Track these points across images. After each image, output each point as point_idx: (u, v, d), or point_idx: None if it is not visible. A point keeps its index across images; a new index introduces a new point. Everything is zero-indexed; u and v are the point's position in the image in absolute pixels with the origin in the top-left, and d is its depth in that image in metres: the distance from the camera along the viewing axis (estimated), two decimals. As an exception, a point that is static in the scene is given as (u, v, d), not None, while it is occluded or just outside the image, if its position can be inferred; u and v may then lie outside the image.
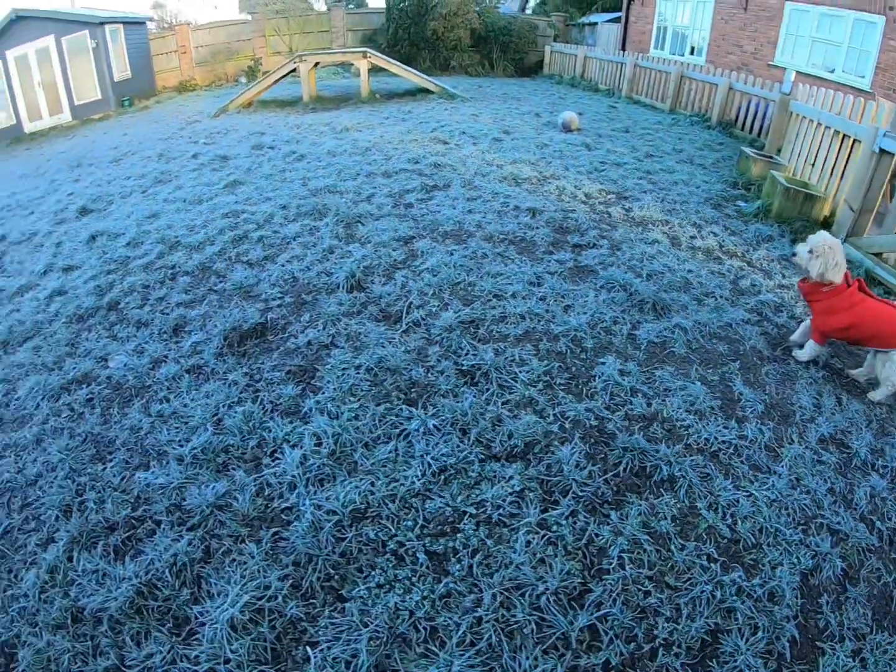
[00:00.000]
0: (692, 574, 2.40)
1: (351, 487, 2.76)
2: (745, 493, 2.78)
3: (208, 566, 2.55)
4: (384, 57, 12.91)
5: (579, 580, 2.36)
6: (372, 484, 2.78)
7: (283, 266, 4.78)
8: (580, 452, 2.91)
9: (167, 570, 2.53)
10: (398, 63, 12.91)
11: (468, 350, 3.62)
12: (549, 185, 6.40)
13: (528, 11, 25.45)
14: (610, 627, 2.20)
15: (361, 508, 2.67)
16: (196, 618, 2.36)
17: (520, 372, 3.44)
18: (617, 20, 18.47)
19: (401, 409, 3.21)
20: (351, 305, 4.14)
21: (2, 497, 3.19)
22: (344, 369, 3.52)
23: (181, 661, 2.22)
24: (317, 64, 13.34)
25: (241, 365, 3.75)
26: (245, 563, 2.52)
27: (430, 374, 3.46)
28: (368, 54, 12.63)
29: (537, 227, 5.26)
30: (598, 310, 4.08)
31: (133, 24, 20.37)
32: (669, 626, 2.22)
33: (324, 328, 3.92)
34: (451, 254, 4.70)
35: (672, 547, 2.49)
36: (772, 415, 3.33)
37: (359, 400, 3.29)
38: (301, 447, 3.00)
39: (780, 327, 4.19)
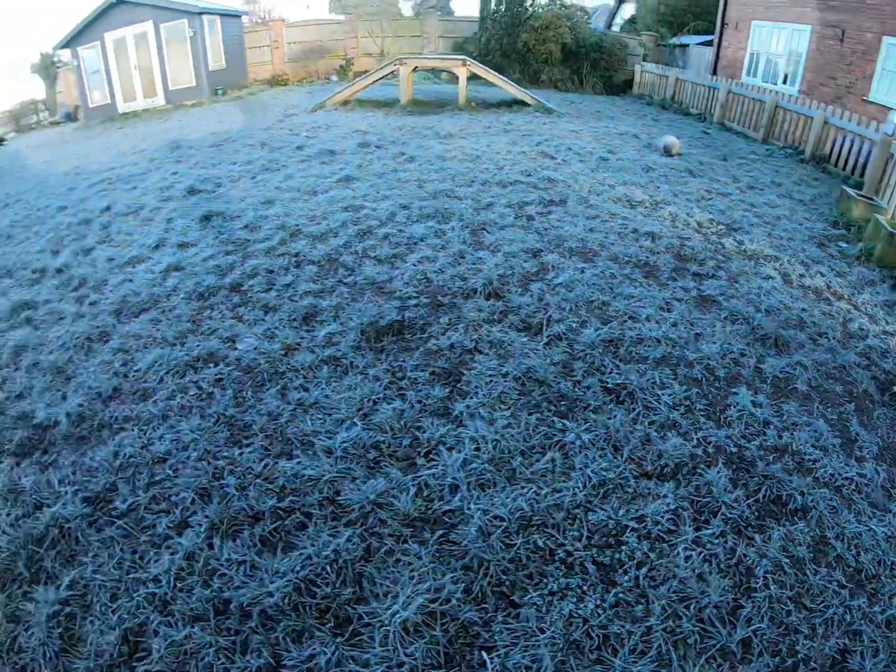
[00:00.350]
0: (825, 597, 2.49)
1: (515, 494, 2.72)
2: (866, 527, 2.83)
3: (369, 565, 2.48)
4: (483, 66, 12.84)
5: (732, 596, 2.42)
6: (536, 493, 2.74)
7: (414, 266, 4.70)
8: (725, 477, 2.93)
9: (328, 567, 2.45)
10: (496, 73, 12.82)
11: (612, 368, 3.55)
12: (661, 211, 6.24)
13: (615, 28, 25.13)
14: (760, 641, 2.27)
15: (528, 516, 2.64)
16: (360, 618, 2.28)
17: (662, 394, 3.38)
18: (709, 43, 18.07)
19: (553, 421, 3.15)
20: (491, 313, 4.02)
21: (124, 472, 3.13)
22: (491, 376, 3.42)
23: (348, 663, 2.14)
24: (415, 68, 13.33)
25: (380, 360, 3.66)
26: (411, 563, 2.47)
27: (577, 389, 3.38)
28: (468, 62, 12.57)
29: (658, 253, 5.12)
30: (725, 340, 4.00)
31: (230, 16, 20.82)
32: (808, 643, 2.30)
33: (465, 332, 3.81)
34: (582, 271, 4.58)
35: (807, 571, 2.58)
36: (885, 457, 3.36)
37: (510, 408, 3.22)
38: (460, 451, 2.93)
39: (888, 373, 4.10)
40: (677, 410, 3.28)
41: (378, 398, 3.34)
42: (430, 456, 2.94)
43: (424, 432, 3.07)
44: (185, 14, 17.93)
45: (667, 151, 9.29)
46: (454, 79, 13.98)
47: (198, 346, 4.09)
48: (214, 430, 3.33)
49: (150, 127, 14.92)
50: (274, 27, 22.32)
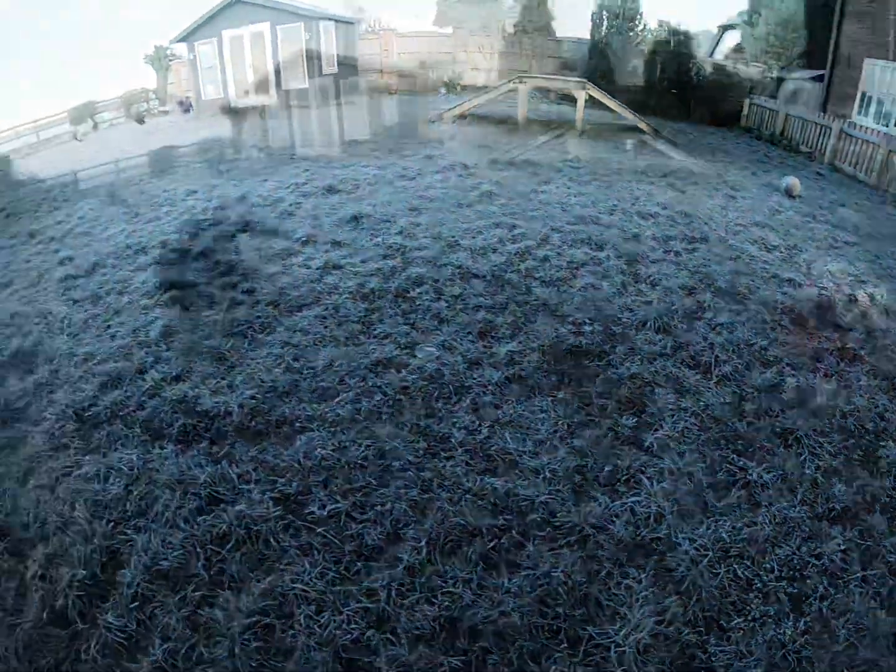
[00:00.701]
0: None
1: (715, 526, 2.83)
2: None
3: (593, 587, 2.58)
4: (601, 91, 12.91)
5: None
6: (732, 526, 2.85)
7: (581, 292, 4.80)
8: (883, 523, 3.00)
9: (559, 588, 2.55)
10: (612, 98, 12.88)
11: (778, 412, 3.63)
12: (797, 257, 6.17)
13: (718, 57, 24.72)
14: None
15: (727, 547, 2.76)
16: (591, 638, 2.38)
17: (823, 442, 3.48)
18: (819, 78, 17.67)
19: (734, 459, 3.26)
20: (662, 347, 4.11)
21: (317, 474, 3.15)
22: (673, 410, 3.51)
23: (587, 682, 2.20)
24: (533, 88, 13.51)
25: (564, 384, 3.78)
26: (632, 587, 2.56)
27: (751, 430, 3.47)
28: (587, 86, 12.67)
29: (801, 300, 5.12)
30: (871, 394, 3.99)
31: (344, 23, 21.32)
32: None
33: (641, 364, 3.91)
34: (738, 314, 4.61)
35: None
36: None
37: (694, 442, 3.30)
38: (661, 481, 3.04)
39: None
40: (837, 458, 3.37)
41: (573, 423, 3.46)
42: (631, 483, 3.05)
43: (623, 460, 3.18)
44: (302, 18, 18.54)
45: (788, 193, 9.22)
46: (562, 98, 14.07)
47: (374, 349, 4.16)
48: (411, 440, 3.37)
49: (265, 123, 15.82)
50: (385, 37, 22.79)
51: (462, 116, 13.69)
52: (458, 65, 21.62)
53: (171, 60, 27.34)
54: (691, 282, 5.07)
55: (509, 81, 13.32)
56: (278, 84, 19.40)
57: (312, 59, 18.83)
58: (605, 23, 18.38)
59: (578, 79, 13.48)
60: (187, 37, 20.01)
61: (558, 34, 30.32)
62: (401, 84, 21.95)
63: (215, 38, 19.37)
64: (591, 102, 14.20)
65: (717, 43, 25.63)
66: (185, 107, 23.05)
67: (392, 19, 30.68)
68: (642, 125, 12.41)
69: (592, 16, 18.54)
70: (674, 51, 18.48)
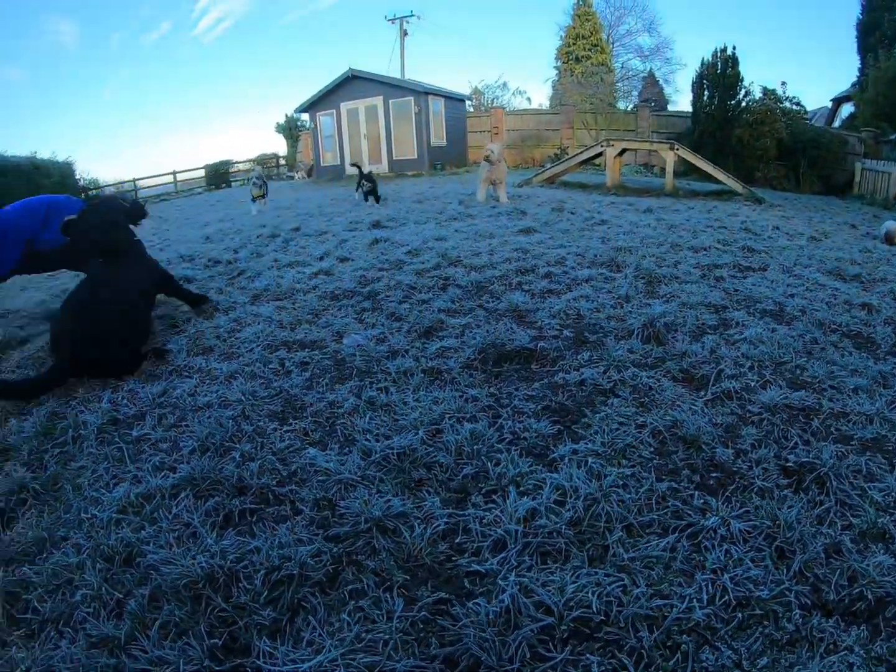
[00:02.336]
0: None
1: (587, 581, 1.69)
2: None
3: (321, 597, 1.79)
4: (691, 151, 11.94)
5: None
6: (623, 588, 1.68)
7: (568, 302, 4.00)
8: None
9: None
10: (704, 160, 11.84)
11: (797, 442, 2.41)
12: (881, 287, 4.94)
13: (835, 125, 22.89)
14: None
15: (592, 622, 1.59)
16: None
17: (868, 488, 2.14)
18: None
19: (692, 495, 2.08)
20: (644, 356, 3.15)
21: (161, 407, 3.03)
22: (621, 423, 2.50)
23: None
24: (623, 151, 12.76)
25: (488, 383, 2.93)
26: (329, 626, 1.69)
27: (740, 460, 2.29)
28: (676, 146, 11.75)
29: (875, 325, 3.89)
30: None
31: (453, 99, 22.01)
32: None
33: (605, 371, 2.96)
34: (773, 330, 3.54)
35: None
36: None
37: (633, 465, 2.23)
38: (534, 498, 2.04)
39: None
40: (890, 515, 2.05)
41: (462, 417, 2.61)
42: (492, 496, 2.11)
43: (497, 466, 2.25)
44: (413, 93, 19.31)
45: (889, 239, 7.72)
46: (665, 173, 13.25)
47: (306, 333, 3.83)
48: (267, 401, 2.97)
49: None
50: (494, 114, 23.23)
51: (550, 181, 13.20)
52: (566, 141, 21.39)
53: (300, 130, 29.43)
54: (723, 301, 4.06)
55: (597, 145, 12.63)
56: (389, 153, 20.02)
57: (421, 131, 19.26)
58: (706, 92, 17.29)
59: (667, 140, 12.56)
60: (310, 107, 21.31)
61: (670, 108, 29.93)
62: (509, 158, 21.99)
63: (334, 109, 20.51)
64: (690, 170, 13.30)
65: (833, 117, 24.01)
66: (308, 171, 24.38)
67: (507, 98, 31.63)
68: (738, 187, 11.24)
69: (692, 85, 17.56)
70: (781, 119, 17.14)
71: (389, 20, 30.64)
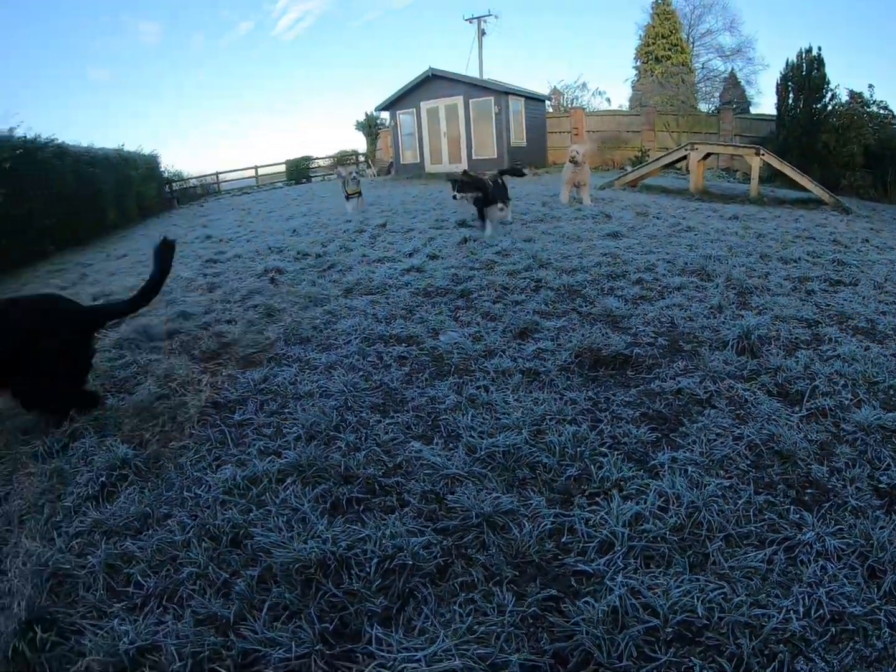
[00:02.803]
0: None
1: (691, 587, 1.73)
2: None
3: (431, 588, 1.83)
4: (777, 157, 11.53)
5: None
6: (724, 596, 1.70)
7: (661, 309, 3.99)
8: None
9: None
10: (791, 166, 11.42)
11: (889, 463, 2.38)
12: None
13: None
14: None
15: (695, 624, 1.62)
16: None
17: None
18: None
19: (787, 509, 2.08)
20: (739, 368, 3.13)
21: (262, 394, 3.17)
22: (718, 434, 2.52)
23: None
24: (707, 155, 12.45)
25: (585, 387, 2.97)
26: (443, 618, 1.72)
27: (834, 478, 2.27)
28: (762, 151, 11.37)
29: None
30: None
31: (533, 99, 21.88)
32: None
33: (701, 382, 2.96)
34: (867, 349, 3.44)
35: None
36: None
37: (731, 477, 2.24)
38: (638, 503, 2.08)
39: None
40: None
41: (563, 419, 2.65)
42: (596, 498, 2.14)
43: (601, 469, 2.28)
44: (493, 92, 19.32)
45: None
46: (748, 179, 12.86)
47: (401, 328, 3.93)
48: (368, 393, 3.06)
49: (448, 185, 15.79)
50: (574, 115, 22.96)
51: (633, 185, 13.01)
52: (647, 143, 20.97)
53: (379, 128, 29.82)
54: (815, 317, 3.96)
55: (681, 148, 12.37)
56: (469, 153, 20.07)
57: (502, 131, 19.26)
58: (791, 95, 16.58)
59: (752, 145, 12.18)
60: (390, 106, 21.58)
61: (753, 110, 28.83)
62: (589, 161, 21.59)
63: (414, 108, 20.70)
64: (774, 175, 12.89)
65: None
66: (388, 169, 24.71)
67: (586, 99, 31.21)
68: (824, 196, 10.81)
69: (777, 87, 16.86)
70: (868, 125, 16.24)
71: (467, 20, 30.61)
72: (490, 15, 30.26)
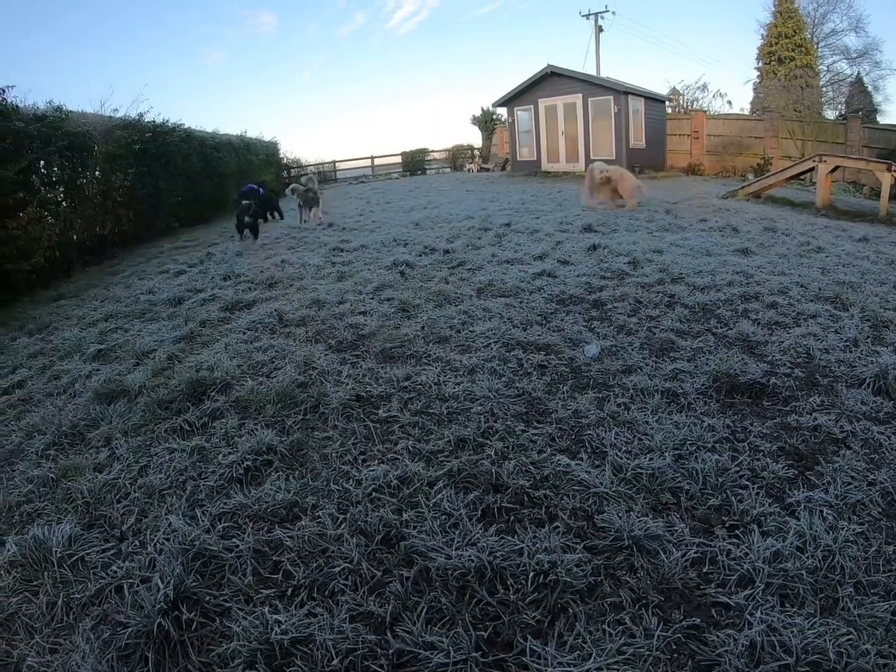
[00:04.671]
0: None
1: (823, 630, 1.74)
2: None
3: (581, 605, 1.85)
4: (914, 174, 10.68)
5: None
6: (851, 642, 1.70)
7: (797, 338, 3.89)
8: None
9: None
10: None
11: None
12: None
13: None
14: None
15: (823, 666, 1.64)
16: None
17: None
18: None
19: None
20: (875, 409, 3.03)
21: (406, 392, 3.19)
22: (853, 478, 2.48)
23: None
24: (835, 168, 11.72)
25: (724, 414, 2.98)
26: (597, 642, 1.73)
27: None
28: (894, 167, 10.56)
29: None
30: None
31: (653, 100, 21.10)
32: None
33: (836, 420, 2.90)
34: None
35: None
36: None
37: (863, 523, 2.22)
38: (778, 539, 2.09)
39: None
40: None
41: (703, 446, 2.67)
42: (736, 532, 2.16)
43: (741, 502, 2.30)
44: (612, 91, 18.79)
45: None
46: (875, 195, 12.02)
47: (539, 335, 3.95)
48: (513, 401, 3.07)
49: (567, 184, 15.75)
50: (696, 117, 22.00)
51: (757, 196, 12.46)
52: (770, 150, 19.86)
53: (495, 124, 29.71)
54: None
55: (808, 159, 11.71)
56: (587, 152, 19.75)
57: (620, 131, 18.82)
58: None
59: (884, 160, 11.31)
60: (507, 102, 21.57)
61: (879, 118, 26.49)
62: (709, 165, 20.88)
63: (532, 105, 20.55)
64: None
65: None
66: (503, 165, 24.65)
67: (705, 100, 29.76)
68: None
69: None
70: None
71: (584, 16, 29.52)
72: (607, 11, 29.13)
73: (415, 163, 30.39)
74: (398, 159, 31.08)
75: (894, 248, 7.46)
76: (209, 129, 16.58)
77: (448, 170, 30.38)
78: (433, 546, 2.02)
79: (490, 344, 3.84)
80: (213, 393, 3.33)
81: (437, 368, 3.48)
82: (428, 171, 30.55)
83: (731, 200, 12.11)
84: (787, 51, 32.30)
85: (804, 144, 18.97)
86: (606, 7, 29.52)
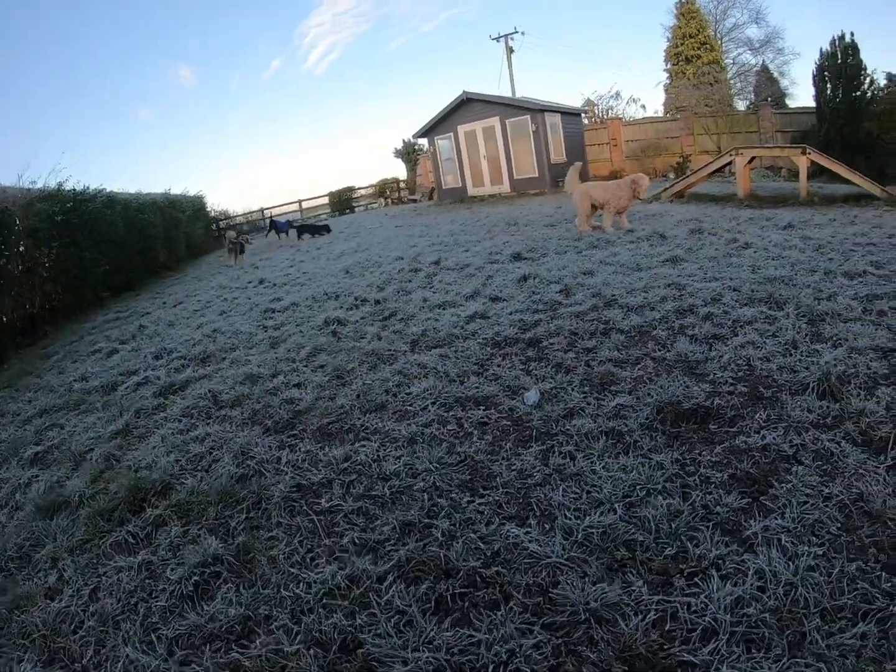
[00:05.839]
0: None
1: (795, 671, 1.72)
2: None
3: None
4: (825, 155, 11.19)
5: None
6: None
7: (736, 349, 3.90)
8: None
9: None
10: (839, 162, 11.08)
11: None
12: None
13: None
14: None
15: None
16: None
17: None
18: None
19: (879, 576, 2.01)
20: (821, 415, 3.04)
21: (346, 474, 3.13)
22: (808, 495, 2.46)
23: None
24: (752, 159, 12.21)
25: (671, 447, 2.94)
26: None
27: None
28: (808, 151, 11.06)
29: None
30: None
31: (570, 114, 21.86)
32: None
33: (785, 434, 2.90)
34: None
35: None
36: None
37: (823, 544, 2.19)
38: (736, 584, 2.04)
39: None
40: None
41: (654, 489, 2.62)
42: (695, 580, 2.10)
43: (698, 546, 2.24)
44: (528, 111, 19.37)
45: None
46: (793, 176, 12.57)
47: (476, 388, 3.90)
48: (455, 469, 3.02)
49: (494, 208, 16.12)
50: (612, 125, 22.82)
51: (680, 195, 12.87)
52: (687, 148, 20.64)
53: (418, 155, 30.17)
54: (890, 342, 3.79)
55: (725, 154, 12.17)
56: (510, 173, 20.15)
57: (540, 149, 19.28)
58: (829, 85, 16.06)
59: (798, 145, 11.85)
60: (427, 132, 21.88)
61: (789, 101, 27.92)
62: (630, 170, 21.54)
63: (451, 132, 20.98)
64: (819, 171, 12.54)
65: None
66: (430, 194, 24.97)
67: (619, 107, 30.91)
68: (875, 190, 10.45)
69: (813, 79, 16.40)
70: None
71: (494, 38, 30.68)
72: (516, 32, 30.27)
73: (342, 202, 30.59)
74: (326, 200, 31.23)
75: (820, 230, 7.74)
76: (132, 191, 16.50)
77: (376, 205, 30.61)
78: (389, 651, 1.96)
79: (427, 406, 3.75)
80: (153, 498, 3.25)
81: (375, 443, 3.40)
82: (357, 209, 30.75)
83: (656, 204, 12.47)
84: (692, 49, 34.05)
85: (720, 138, 19.78)
86: (515, 28, 30.67)
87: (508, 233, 10.51)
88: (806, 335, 4.04)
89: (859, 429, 2.89)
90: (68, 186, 12.40)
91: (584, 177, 21.12)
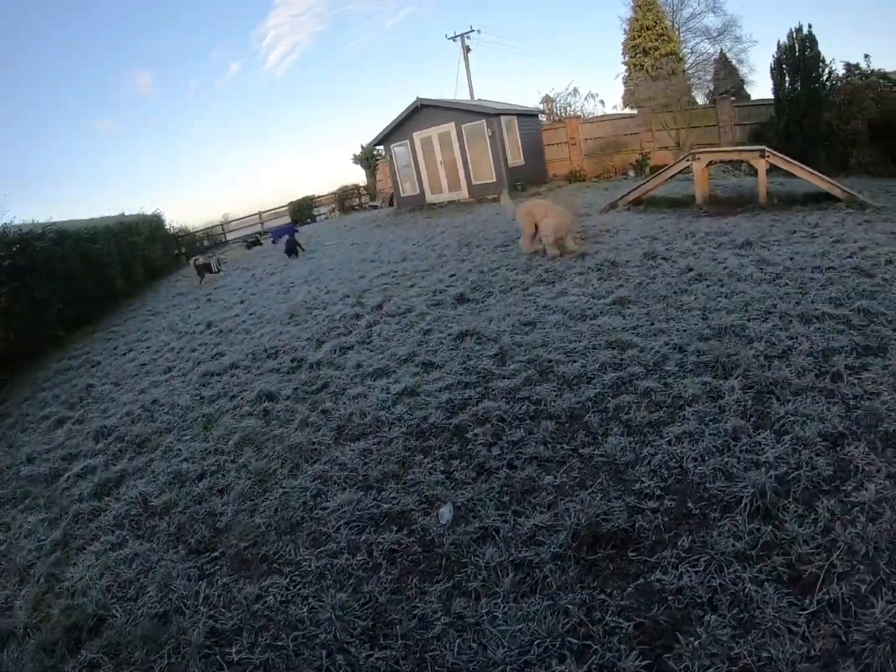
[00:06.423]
0: None
1: None
2: None
3: None
4: (783, 157, 11.06)
5: None
6: None
7: (669, 446, 3.64)
8: None
9: None
10: (799, 164, 10.94)
11: None
12: None
13: None
14: None
15: None
16: None
17: None
18: None
19: None
20: (750, 543, 2.78)
21: (256, 619, 3.05)
22: (713, 656, 2.25)
23: None
24: (711, 163, 12.09)
25: (582, 584, 2.74)
26: None
27: None
28: (767, 154, 10.92)
29: None
30: None
31: (526, 115, 21.83)
32: None
33: (705, 571, 2.67)
34: (903, 481, 2.99)
35: None
36: None
37: None
38: None
39: None
40: None
41: (552, 646, 2.44)
42: None
43: None
44: (483, 115, 19.33)
45: None
46: (754, 172, 12.46)
47: (393, 499, 3.75)
48: (359, 615, 2.90)
49: (451, 219, 15.97)
50: (570, 124, 22.72)
51: (638, 202, 12.76)
52: (646, 145, 20.56)
53: (377, 160, 29.89)
54: (840, 425, 3.51)
55: (682, 160, 12.05)
56: (468, 179, 20.01)
57: (497, 152, 19.14)
58: (787, 77, 16.04)
59: (756, 147, 11.75)
60: (383, 140, 21.80)
61: (754, 98, 28.07)
62: (590, 168, 21.47)
63: (407, 139, 20.87)
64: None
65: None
66: (390, 200, 24.79)
67: (580, 104, 30.90)
68: (836, 192, 10.34)
69: (771, 71, 16.38)
70: (871, 97, 15.61)
71: (450, 38, 30.62)
72: (472, 31, 30.27)
73: (302, 212, 30.16)
74: (286, 209, 30.87)
75: (778, 248, 7.50)
76: (85, 217, 16.21)
77: (337, 214, 30.29)
78: None
79: (340, 527, 3.58)
80: (87, 637, 3.27)
81: (285, 579, 3.29)
82: (318, 218, 30.39)
83: (612, 213, 12.29)
84: (650, 41, 34.29)
85: (678, 133, 19.66)
86: (471, 27, 30.61)
87: (459, 257, 10.27)
88: (751, 416, 3.78)
89: (788, 561, 2.67)
90: (16, 223, 12.14)
91: (543, 176, 21.24)
